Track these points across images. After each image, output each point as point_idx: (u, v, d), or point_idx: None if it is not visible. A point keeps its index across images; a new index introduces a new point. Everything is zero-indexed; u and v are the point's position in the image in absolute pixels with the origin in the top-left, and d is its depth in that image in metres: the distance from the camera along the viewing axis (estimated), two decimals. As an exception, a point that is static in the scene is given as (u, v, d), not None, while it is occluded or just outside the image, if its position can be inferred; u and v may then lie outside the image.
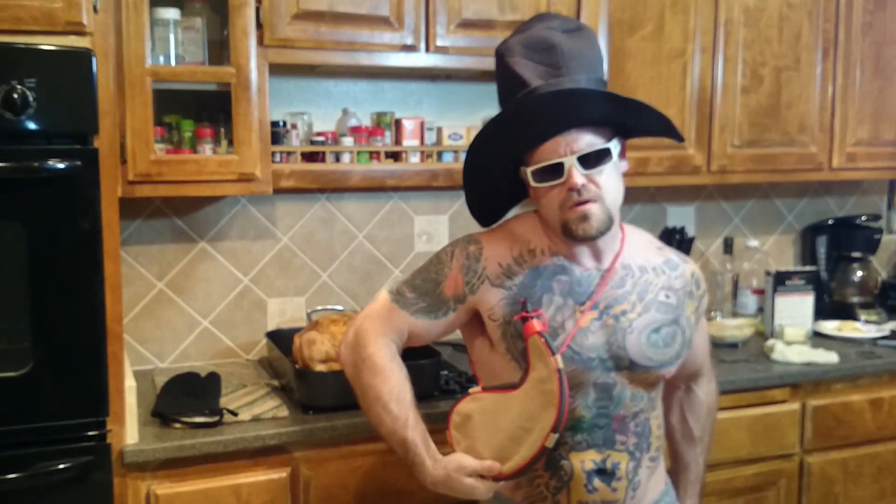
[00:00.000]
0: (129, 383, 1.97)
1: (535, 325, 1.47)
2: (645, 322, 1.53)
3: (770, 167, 2.85)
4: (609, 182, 1.50)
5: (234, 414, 2.08)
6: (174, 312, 2.57)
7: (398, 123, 2.64)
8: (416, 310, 1.64)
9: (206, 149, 2.30)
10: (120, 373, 1.93)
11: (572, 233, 1.50)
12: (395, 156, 2.62)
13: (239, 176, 2.24)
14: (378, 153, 2.59)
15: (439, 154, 2.67)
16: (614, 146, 1.52)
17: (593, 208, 1.48)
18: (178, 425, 2.03)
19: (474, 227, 1.80)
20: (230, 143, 2.27)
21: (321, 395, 2.15)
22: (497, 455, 1.51)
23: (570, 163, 1.46)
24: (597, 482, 1.54)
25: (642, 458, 1.58)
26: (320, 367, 2.21)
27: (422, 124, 2.65)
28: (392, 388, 1.61)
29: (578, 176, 1.46)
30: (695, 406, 1.77)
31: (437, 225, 2.83)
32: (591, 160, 1.48)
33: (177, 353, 2.58)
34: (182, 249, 2.56)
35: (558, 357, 1.45)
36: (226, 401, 2.18)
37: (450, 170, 2.66)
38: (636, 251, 1.61)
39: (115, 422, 1.92)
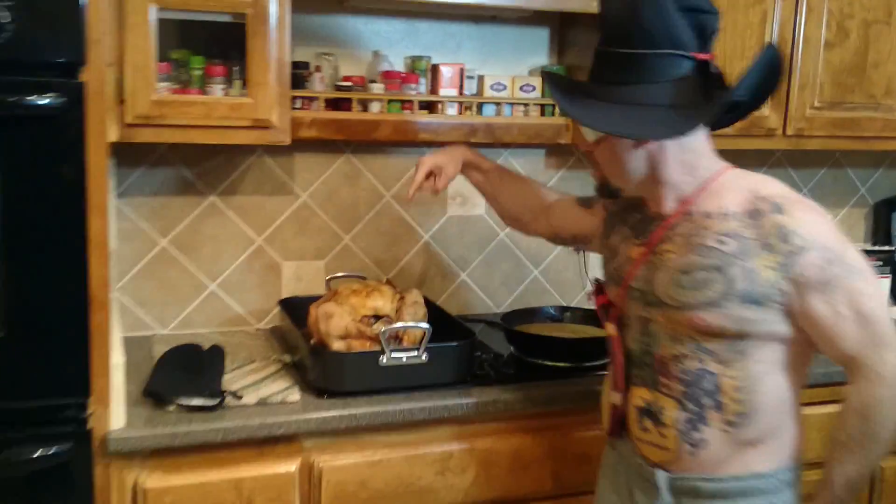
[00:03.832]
0: (117, 359, 1.70)
1: (600, 298, 1.67)
2: (679, 262, 1.49)
3: (851, 133, 2.53)
4: (602, 157, 1.56)
5: (238, 397, 1.81)
6: (178, 273, 2.30)
7: (435, 70, 2.35)
8: (577, 196, 1.95)
9: (217, 90, 2.01)
10: (105, 347, 1.66)
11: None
12: (429, 106, 2.34)
13: (252, 122, 1.95)
14: (411, 103, 2.31)
15: (479, 106, 2.38)
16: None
17: (597, 176, 1.64)
18: (172, 408, 1.77)
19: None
20: (244, 84, 1.98)
21: (338, 377, 1.87)
22: (604, 415, 1.69)
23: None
24: (647, 422, 1.55)
25: (706, 414, 1.48)
26: (338, 345, 1.94)
27: (461, 71, 2.36)
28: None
29: (585, 141, 1.59)
30: (845, 405, 1.50)
31: (474, 186, 2.53)
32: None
33: (180, 319, 2.32)
34: (189, 203, 2.28)
35: (610, 325, 1.63)
36: (230, 379, 1.92)
37: (490, 125, 2.37)
38: (716, 198, 1.51)
39: (99, 403, 1.67)
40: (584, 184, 2.62)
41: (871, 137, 2.57)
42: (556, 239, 2.00)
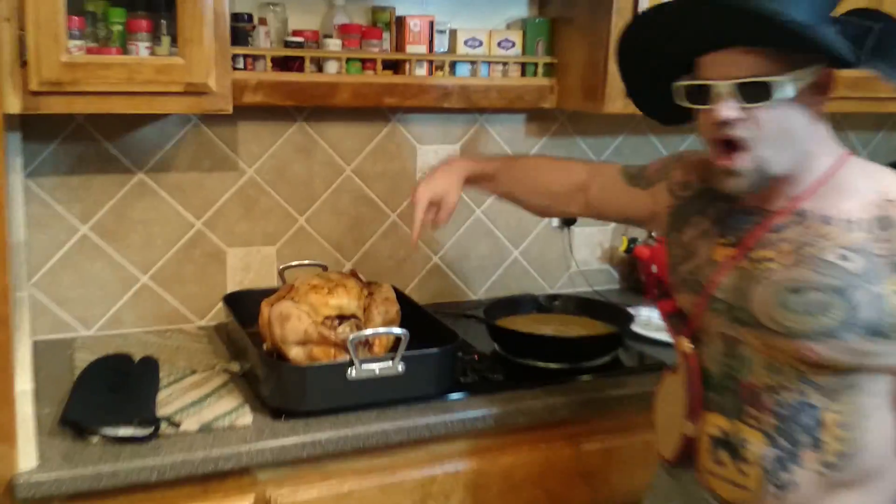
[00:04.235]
0: (23, 386, 1.38)
1: (664, 304, 1.41)
2: (785, 276, 1.20)
3: (871, 94, 2.26)
4: (775, 124, 1.16)
5: (175, 424, 1.49)
6: (103, 265, 1.96)
7: (400, 23, 2.03)
8: (621, 167, 1.58)
9: (141, 48, 1.66)
10: (7, 371, 1.33)
11: (718, 184, 1.25)
12: (395, 66, 2.03)
13: (185, 87, 1.61)
14: (373, 62, 1.99)
15: (452, 65, 2.08)
16: (795, 81, 1.14)
17: (743, 162, 1.19)
18: (95, 440, 1.45)
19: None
20: (174, 41, 1.64)
21: (298, 394, 1.56)
22: (664, 438, 1.40)
23: (722, 90, 1.16)
24: (721, 454, 1.29)
25: (800, 453, 1.22)
26: (296, 353, 1.64)
27: (431, 25, 2.04)
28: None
29: (726, 109, 1.16)
30: None
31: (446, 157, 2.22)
32: (755, 91, 1.15)
33: (107, 318, 1.98)
34: (113, 182, 1.94)
35: (684, 340, 1.33)
36: (166, 397, 1.60)
37: (465, 87, 2.07)
38: (836, 197, 1.21)
39: (2, 441, 1.34)
40: (568, 153, 2.33)
41: (887, 99, 2.31)
42: (601, 218, 1.70)
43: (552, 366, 1.79)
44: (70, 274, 1.94)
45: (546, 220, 2.32)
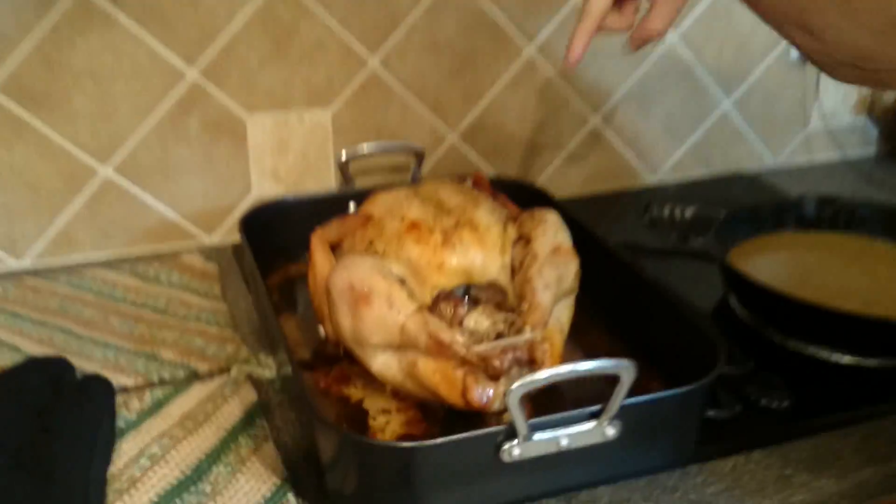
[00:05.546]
0: None
1: None
2: None
3: None
4: None
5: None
6: (28, 150, 1.11)
7: None
8: None
9: None
10: None
11: None
12: None
13: None
14: None
15: None
16: None
17: None
18: None
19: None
20: None
21: (396, 493, 0.74)
22: None
23: None
24: None
25: None
26: (383, 364, 0.83)
27: None
28: None
29: None
30: None
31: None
32: None
33: (49, 239, 1.16)
34: (39, 5, 1.05)
35: None
36: (128, 463, 0.79)
37: None
38: None
39: None
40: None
41: None
42: None
43: (860, 362, 0.94)
44: (-26, 168, 1.10)
45: (777, 50, 1.40)
